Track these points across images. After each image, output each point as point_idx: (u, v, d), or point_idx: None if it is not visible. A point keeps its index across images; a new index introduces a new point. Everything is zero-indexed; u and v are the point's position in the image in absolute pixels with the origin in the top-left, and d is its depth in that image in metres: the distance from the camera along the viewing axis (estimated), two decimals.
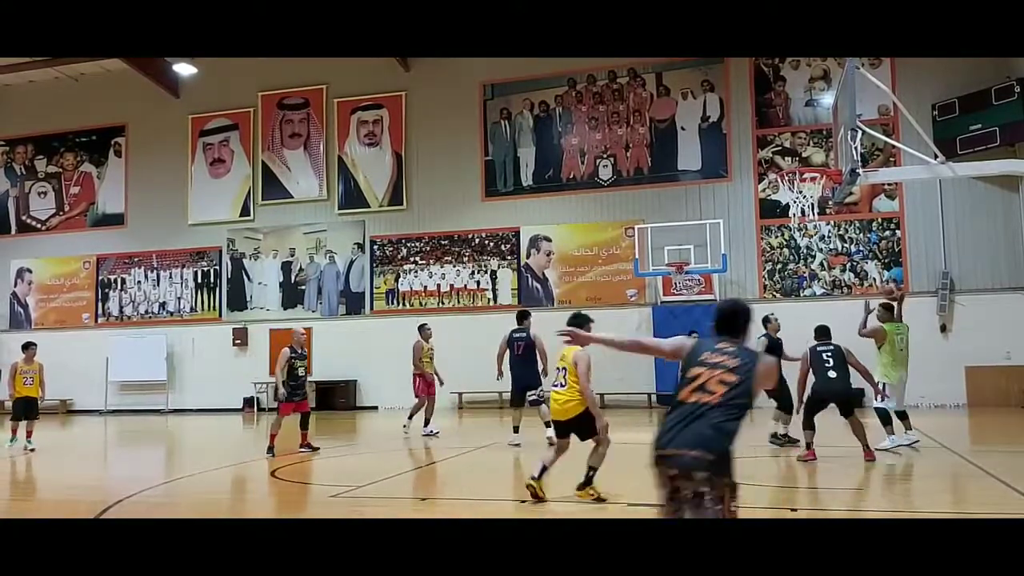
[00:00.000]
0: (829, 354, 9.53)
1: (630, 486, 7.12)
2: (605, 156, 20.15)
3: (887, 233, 18.12)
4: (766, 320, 11.05)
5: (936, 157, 9.18)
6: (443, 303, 20.80)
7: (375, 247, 21.54)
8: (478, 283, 20.68)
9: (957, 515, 6.57)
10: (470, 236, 20.83)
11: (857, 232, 18.29)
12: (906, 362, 10.41)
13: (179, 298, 23.00)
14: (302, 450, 10.99)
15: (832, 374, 9.39)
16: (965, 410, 16.50)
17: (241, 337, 22.09)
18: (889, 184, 17.70)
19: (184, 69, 22.48)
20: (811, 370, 9.58)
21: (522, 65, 19.84)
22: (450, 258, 20.96)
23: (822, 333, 9.82)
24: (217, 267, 22.74)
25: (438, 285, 20.96)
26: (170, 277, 23.10)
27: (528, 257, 20.36)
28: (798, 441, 10.13)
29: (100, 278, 23.54)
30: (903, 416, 10.25)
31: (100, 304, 23.47)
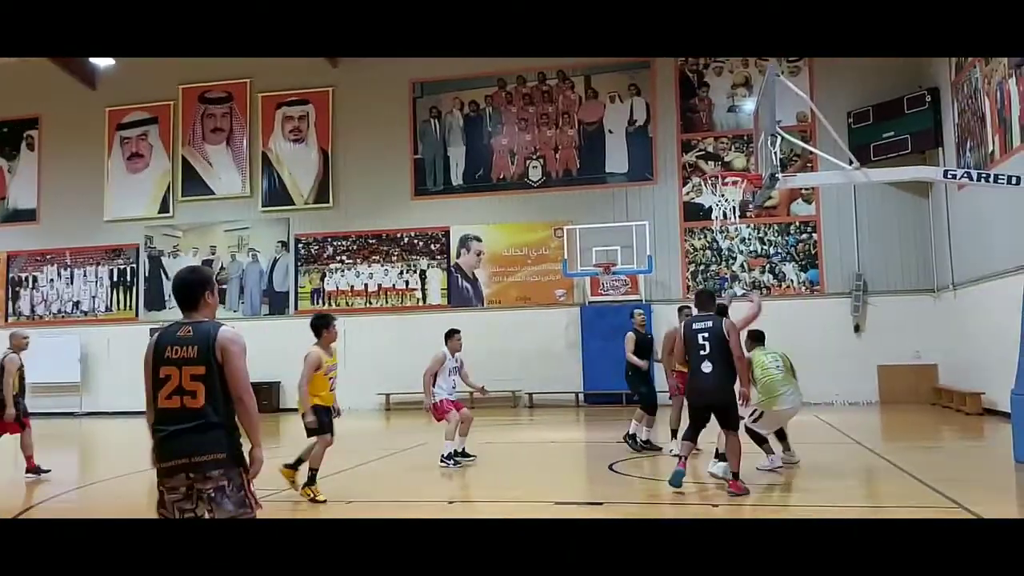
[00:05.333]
0: (705, 336, 7.20)
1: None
2: (535, 157, 20.25)
3: (804, 236, 18.69)
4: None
5: (851, 163, 9.49)
6: (371, 303, 20.59)
7: (300, 245, 21.19)
8: (407, 283, 20.54)
9: (873, 510, 6.81)
10: (399, 235, 20.67)
11: (776, 235, 18.81)
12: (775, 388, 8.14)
13: (94, 297, 22.21)
14: None
15: (706, 367, 7.13)
16: (878, 407, 17.13)
17: None
18: (806, 189, 18.25)
19: (101, 60, 21.70)
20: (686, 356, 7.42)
21: (452, 64, 19.71)
22: (378, 257, 20.76)
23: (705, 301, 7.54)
24: (134, 265, 22.03)
25: (365, 285, 20.72)
26: (84, 275, 22.28)
27: (458, 257, 20.31)
28: (660, 449, 9.91)
29: (10, 276, 22.54)
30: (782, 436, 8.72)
31: (10, 303, 22.48)
